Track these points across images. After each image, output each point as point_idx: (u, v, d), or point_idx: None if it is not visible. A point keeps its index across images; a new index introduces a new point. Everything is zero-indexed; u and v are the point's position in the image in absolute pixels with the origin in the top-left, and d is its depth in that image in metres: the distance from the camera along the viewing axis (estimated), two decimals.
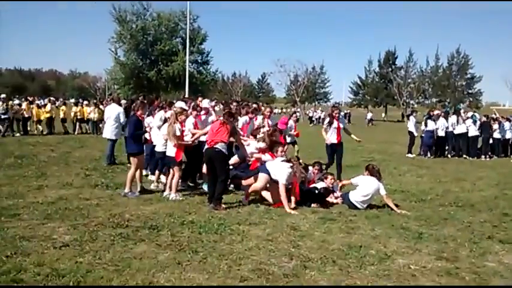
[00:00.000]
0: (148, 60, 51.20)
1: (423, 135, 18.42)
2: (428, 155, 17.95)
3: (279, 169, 7.80)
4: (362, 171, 12.43)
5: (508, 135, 19.58)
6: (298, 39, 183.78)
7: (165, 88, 50.49)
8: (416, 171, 13.29)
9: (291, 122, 12.71)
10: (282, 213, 7.44)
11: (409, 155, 17.81)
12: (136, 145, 8.80)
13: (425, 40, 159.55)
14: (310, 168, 9.30)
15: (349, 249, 5.67)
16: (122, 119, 12.30)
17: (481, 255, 5.64)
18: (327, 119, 11.06)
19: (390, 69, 77.86)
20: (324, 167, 10.14)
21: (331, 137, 10.83)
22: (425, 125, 18.13)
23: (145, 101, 10.92)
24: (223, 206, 7.66)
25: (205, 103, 10.20)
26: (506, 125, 19.39)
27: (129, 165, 11.77)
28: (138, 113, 8.90)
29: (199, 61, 53.46)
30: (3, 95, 20.96)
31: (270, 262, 5.12)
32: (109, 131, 12.42)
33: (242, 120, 10.27)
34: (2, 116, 20.20)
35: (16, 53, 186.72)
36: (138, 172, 8.82)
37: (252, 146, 9.13)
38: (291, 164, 7.91)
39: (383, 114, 76.79)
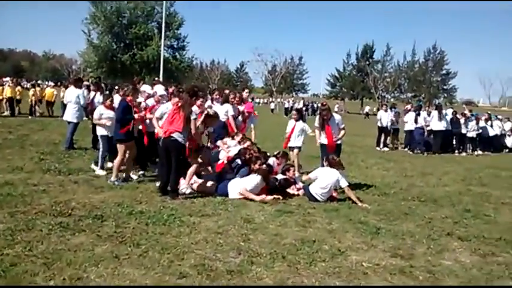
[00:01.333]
0: (122, 43, 50.09)
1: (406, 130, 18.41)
2: (418, 150, 17.67)
3: (248, 180, 7.57)
4: None
5: (491, 133, 19.89)
6: (278, 29, 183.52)
7: (139, 73, 49.18)
8: (383, 165, 13.15)
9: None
10: (239, 204, 7.13)
11: (385, 148, 17.95)
12: (123, 131, 8.13)
13: (403, 35, 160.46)
14: (273, 159, 8.98)
15: (302, 244, 5.40)
16: (82, 101, 11.82)
17: (438, 253, 5.43)
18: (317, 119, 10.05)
19: (367, 62, 78.08)
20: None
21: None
22: (415, 121, 17.98)
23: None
24: (180, 197, 7.31)
25: (146, 88, 9.65)
26: (481, 123, 19.65)
27: (89, 151, 11.38)
28: (129, 98, 8.26)
29: (175, 46, 52.58)
30: None
31: (215, 257, 4.81)
32: (69, 113, 11.94)
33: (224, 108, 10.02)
34: None
35: None
36: (127, 159, 8.42)
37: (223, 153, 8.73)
38: (259, 175, 7.63)
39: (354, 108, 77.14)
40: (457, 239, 6.02)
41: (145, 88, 9.67)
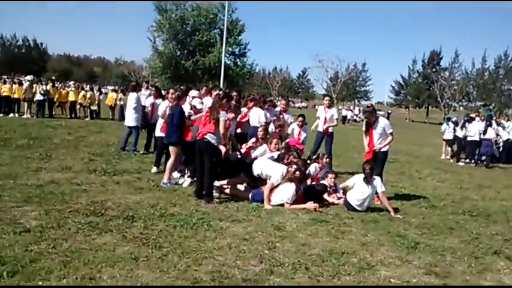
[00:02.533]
0: (186, 50, 51.22)
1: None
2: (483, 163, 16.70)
3: (272, 168, 7.33)
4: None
5: None
6: (340, 36, 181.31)
7: (201, 79, 50.31)
8: (439, 176, 12.47)
9: (293, 126, 10.71)
10: (273, 211, 6.95)
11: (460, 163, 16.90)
12: (177, 134, 8.27)
13: (473, 42, 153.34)
14: (315, 165, 8.70)
15: (330, 255, 5.13)
16: (137, 105, 12.20)
17: (478, 273, 4.97)
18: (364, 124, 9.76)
19: (434, 69, 75.30)
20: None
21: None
22: (484, 132, 17.02)
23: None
24: (215, 200, 7.25)
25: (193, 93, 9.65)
26: None
27: (137, 153, 11.61)
28: (181, 102, 8.53)
29: (237, 53, 53.11)
30: (29, 77, 21.38)
31: (234, 264, 4.65)
32: (127, 118, 12.51)
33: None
34: (41, 98, 20.62)
35: (66, 40, 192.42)
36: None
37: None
38: (287, 166, 7.41)
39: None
40: (504, 259, 5.50)
41: (193, 93, 9.76)
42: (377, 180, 7.48)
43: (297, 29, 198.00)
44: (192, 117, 8.39)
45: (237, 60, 53.18)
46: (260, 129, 8.80)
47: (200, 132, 7.27)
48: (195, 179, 8.62)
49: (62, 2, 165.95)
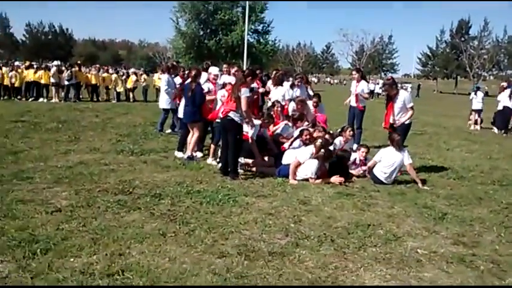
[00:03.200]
0: (208, 29, 51.11)
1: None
2: None
3: (306, 164, 7.35)
4: (407, 144, 11.72)
5: None
6: (364, 9, 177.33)
7: (225, 57, 50.15)
8: (468, 147, 12.20)
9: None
10: (298, 185, 6.97)
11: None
12: (199, 114, 8.49)
13: (504, 8, 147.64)
14: (340, 138, 8.60)
15: (356, 227, 5.13)
16: (168, 86, 11.98)
17: (509, 242, 4.90)
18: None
19: (463, 39, 73.13)
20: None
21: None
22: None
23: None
24: (240, 176, 7.32)
25: (214, 70, 9.56)
26: None
27: (163, 134, 11.72)
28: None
29: (260, 31, 52.67)
30: (55, 62, 21.70)
31: (260, 238, 4.70)
32: (161, 100, 12.35)
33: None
34: (67, 83, 21.00)
35: (91, 25, 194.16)
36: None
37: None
38: (316, 156, 7.33)
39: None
40: None
41: (212, 70, 9.67)
42: (405, 151, 7.39)
43: (321, 3, 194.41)
44: (207, 97, 8.46)
45: (260, 37, 52.78)
46: (276, 106, 8.81)
47: (224, 110, 7.31)
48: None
49: None
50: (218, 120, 7.94)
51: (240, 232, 4.84)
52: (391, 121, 8.08)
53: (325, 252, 4.40)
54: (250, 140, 7.84)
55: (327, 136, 7.89)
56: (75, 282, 3.60)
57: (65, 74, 20.95)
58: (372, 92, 40.87)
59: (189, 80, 8.54)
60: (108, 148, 9.54)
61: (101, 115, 15.76)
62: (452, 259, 4.35)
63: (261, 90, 9.94)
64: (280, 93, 9.62)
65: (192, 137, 8.53)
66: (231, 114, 7.17)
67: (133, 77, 23.51)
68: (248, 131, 7.75)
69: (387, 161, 7.27)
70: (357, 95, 10.73)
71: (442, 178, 8.03)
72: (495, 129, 16.73)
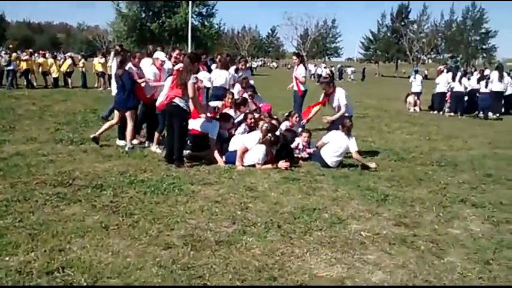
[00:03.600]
0: (150, 12, 49.69)
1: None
2: (490, 114, 16.98)
3: (253, 150, 7.28)
4: (353, 128, 11.95)
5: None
6: None
7: (168, 41, 49.16)
8: (408, 129, 12.63)
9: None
10: (245, 172, 6.94)
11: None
12: (132, 99, 8.20)
13: None
14: (285, 123, 8.63)
15: (301, 212, 5.17)
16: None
17: (446, 221, 5.11)
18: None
19: (403, 23, 75.37)
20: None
21: None
22: (486, 85, 17.05)
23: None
24: (186, 164, 7.19)
25: (161, 56, 9.33)
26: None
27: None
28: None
29: (204, 14, 51.90)
30: None
31: (207, 227, 4.64)
32: (113, 87, 11.71)
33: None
34: (6, 68, 19.95)
35: (27, 6, 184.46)
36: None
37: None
38: (264, 144, 7.25)
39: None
40: (470, 206, 5.67)
41: (159, 55, 9.43)
42: (352, 138, 7.51)
43: None
44: (151, 84, 8.25)
45: (205, 20, 52.02)
46: (228, 97, 8.71)
47: (167, 96, 7.12)
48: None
49: None
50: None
51: (185, 222, 4.76)
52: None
53: (272, 239, 4.40)
54: (210, 141, 7.62)
55: (273, 121, 7.89)
56: (12, 282, 3.41)
57: (3, 59, 19.86)
58: (319, 76, 41.20)
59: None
60: (46, 137, 9.11)
61: (38, 103, 15.02)
62: (395, 240, 4.48)
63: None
64: (225, 76, 9.54)
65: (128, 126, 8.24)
66: (177, 100, 7.00)
67: (68, 61, 22.50)
68: (208, 131, 7.62)
69: (335, 144, 7.38)
70: (296, 79, 10.82)
71: (384, 160, 8.26)
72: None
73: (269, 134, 7.21)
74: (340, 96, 8.25)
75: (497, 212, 5.45)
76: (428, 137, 11.15)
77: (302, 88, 11.01)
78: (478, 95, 17.19)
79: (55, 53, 29.27)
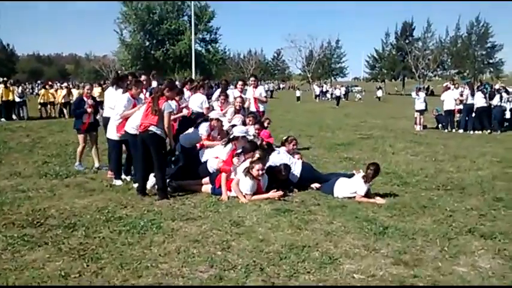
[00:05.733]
0: (154, 40, 50.27)
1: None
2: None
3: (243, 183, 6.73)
4: (353, 149, 11.45)
5: None
6: (311, 13, 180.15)
7: (173, 68, 49.36)
8: (413, 149, 12.04)
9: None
10: (233, 204, 6.41)
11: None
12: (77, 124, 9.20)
13: (445, 11, 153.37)
14: (283, 148, 8.06)
15: (289, 251, 4.62)
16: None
17: (452, 257, 4.52)
18: None
19: (407, 41, 75.12)
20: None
21: None
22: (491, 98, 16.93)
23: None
24: (168, 196, 6.71)
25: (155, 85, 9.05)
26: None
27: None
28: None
29: (207, 39, 52.19)
30: None
31: (179, 273, 4.11)
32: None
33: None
34: (18, 100, 20.43)
35: (36, 39, 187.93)
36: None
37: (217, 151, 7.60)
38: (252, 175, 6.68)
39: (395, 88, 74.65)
40: (479, 238, 5.06)
41: (154, 85, 9.25)
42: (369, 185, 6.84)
43: (269, 9, 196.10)
44: (122, 113, 7.51)
45: (209, 46, 52.33)
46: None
47: (142, 124, 6.68)
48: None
49: (28, 2, 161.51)
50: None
51: (157, 266, 4.24)
52: None
53: (251, 285, 3.86)
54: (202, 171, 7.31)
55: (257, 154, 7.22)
56: None
57: (16, 92, 20.14)
58: (338, 98, 40.37)
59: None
60: (31, 172, 8.71)
61: (33, 134, 14.72)
62: (392, 283, 3.91)
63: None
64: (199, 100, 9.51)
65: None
66: (152, 128, 6.56)
67: (63, 92, 22.39)
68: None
69: (354, 187, 6.80)
70: (255, 99, 10.71)
71: (386, 185, 7.71)
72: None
73: (254, 164, 6.68)
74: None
75: (509, 244, 4.85)
76: (434, 158, 10.56)
77: (261, 109, 10.92)
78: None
79: (52, 84, 29.39)
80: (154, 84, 9.34)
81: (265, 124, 9.67)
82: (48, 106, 22.43)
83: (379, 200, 6.57)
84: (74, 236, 5.08)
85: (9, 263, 4.32)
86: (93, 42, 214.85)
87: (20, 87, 21.49)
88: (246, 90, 10.71)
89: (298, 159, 7.77)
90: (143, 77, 8.27)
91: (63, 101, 21.74)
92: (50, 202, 6.51)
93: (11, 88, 20.69)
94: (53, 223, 5.55)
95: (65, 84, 30.07)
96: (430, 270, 4.17)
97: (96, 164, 9.08)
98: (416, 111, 18.02)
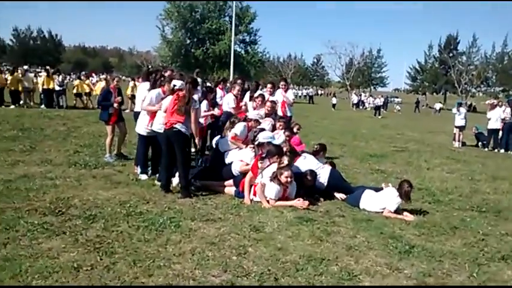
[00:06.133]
0: (195, 38, 50.67)
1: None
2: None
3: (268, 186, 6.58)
4: (386, 161, 11.13)
5: None
6: (353, 20, 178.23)
7: (212, 67, 49.70)
8: (450, 166, 11.59)
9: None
10: (255, 209, 6.27)
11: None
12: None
13: (492, 26, 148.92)
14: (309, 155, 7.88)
15: (307, 262, 4.45)
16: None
17: (480, 285, 4.24)
18: None
19: (451, 54, 73.18)
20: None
21: None
22: None
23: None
24: (191, 195, 6.66)
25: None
26: None
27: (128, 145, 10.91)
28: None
29: (247, 41, 52.29)
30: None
31: (192, 275, 4.01)
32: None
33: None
34: (58, 88, 20.88)
35: (83, 31, 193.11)
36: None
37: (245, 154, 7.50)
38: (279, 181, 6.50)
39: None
40: None
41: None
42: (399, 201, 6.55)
43: (310, 14, 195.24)
44: (145, 107, 7.54)
45: (248, 48, 52.42)
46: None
47: (168, 121, 6.63)
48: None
49: None
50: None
51: (170, 266, 4.15)
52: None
53: None
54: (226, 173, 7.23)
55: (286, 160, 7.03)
56: None
57: (56, 80, 20.66)
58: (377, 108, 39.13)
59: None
60: (61, 160, 8.81)
61: (69, 123, 14.99)
62: None
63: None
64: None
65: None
66: (178, 126, 6.52)
67: (101, 84, 22.75)
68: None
69: (384, 202, 6.56)
70: (283, 104, 10.53)
71: (417, 202, 7.37)
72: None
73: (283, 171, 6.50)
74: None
75: None
76: (471, 177, 10.11)
77: (288, 114, 10.67)
78: None
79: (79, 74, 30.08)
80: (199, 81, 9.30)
81: (295, 130, 9.43)
82: (84, 97, 22.82)
83: (407, 217, 6.29)
84: (93, 228, 5.06)
85: (25, 249, 4.33)
86: (137, 38, 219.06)
87: (60, 76, 21.97)
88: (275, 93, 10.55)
89: (326, 165, 7.54)
90: (168, 73, 8.12)
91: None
92: (75, 192, 6.54)
93: (53, 77, 21.23)
94: (74, 213, 5.55)
95: (104, 76, 30.62)
96: None
97: (114, 152, 9.43)
98: (456, 127, 17.42)
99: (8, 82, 20.11)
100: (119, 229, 5.08)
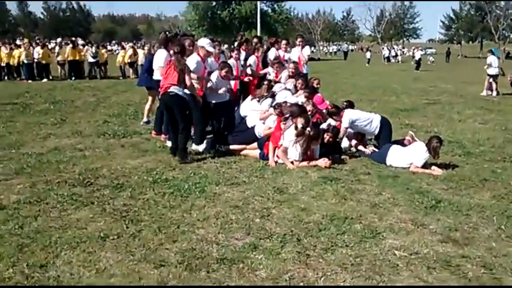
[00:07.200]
0: (220, 0, 49.82)
1: None
2: None
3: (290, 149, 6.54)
4: (417, 115, 10.89)
5: None
6: None
7: (238, 28, 48.93)
8: (483, 117, 11.22)
9: None
10: (280, 170, 6.27)
11: None
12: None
13: None
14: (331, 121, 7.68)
15: (330, 222, 4.44)
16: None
17: (508, 237, 4.14)
18: None
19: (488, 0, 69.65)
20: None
21: None
22: None
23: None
24: (190, 157, 6.79)
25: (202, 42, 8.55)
26: None
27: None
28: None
29: None
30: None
31: (215, 239, 4.07)
32: None
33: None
34: (91, 60, 21.47)
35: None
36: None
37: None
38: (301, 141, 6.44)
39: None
40: None
41: (202, 43, 8.78)
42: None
43: None
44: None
45: (275, 6, 51.30)
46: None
47: (163, 85, 6.67)
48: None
49: None
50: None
51: (194, 232, 4.22)
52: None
53: (286, 256, 3.74)
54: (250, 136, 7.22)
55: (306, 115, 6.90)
56: None
57: (89, 52, 21.02)
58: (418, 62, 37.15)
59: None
60: (91, 131, 9.01)
61: (99, 94, 15.26)
62: (436, 263, 3.63)
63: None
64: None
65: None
66: (173, 89, 6.53)
67: (129, 52, 22.78)
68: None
69: (411, 157, 6.42)
70: (300, 61, 10.00)
71: (447, 155, 7.20)
72: None
73: (308, 129, 6.42)
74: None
75: None
76: (505, 127, 9.77)
77: (305, 70, 10.07)
78: None
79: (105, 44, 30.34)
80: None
81: (315, 85, 9.01)
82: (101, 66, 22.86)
83: (435, 171, 6.16)
84: (120, 197, 5.18)
85: (55, 221, 4.47)
86: (164, 3, 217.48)
87: (94, 47, 22.17)
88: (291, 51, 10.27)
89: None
90: (188, 42, 7.89)
91: (129, 60, 22.22)
92: (103, 162, 6.69)
93: (79, 48, 21.43)
94: (102, 183, 5.69)
95: (130, 44, 30.68)
96: (481, 251, 3.85)
97: (145, 119, 9.84)
98: (489, 75, 16.77)
99: (40, 56, 20.46)
100: (145, 197, 5.18)
